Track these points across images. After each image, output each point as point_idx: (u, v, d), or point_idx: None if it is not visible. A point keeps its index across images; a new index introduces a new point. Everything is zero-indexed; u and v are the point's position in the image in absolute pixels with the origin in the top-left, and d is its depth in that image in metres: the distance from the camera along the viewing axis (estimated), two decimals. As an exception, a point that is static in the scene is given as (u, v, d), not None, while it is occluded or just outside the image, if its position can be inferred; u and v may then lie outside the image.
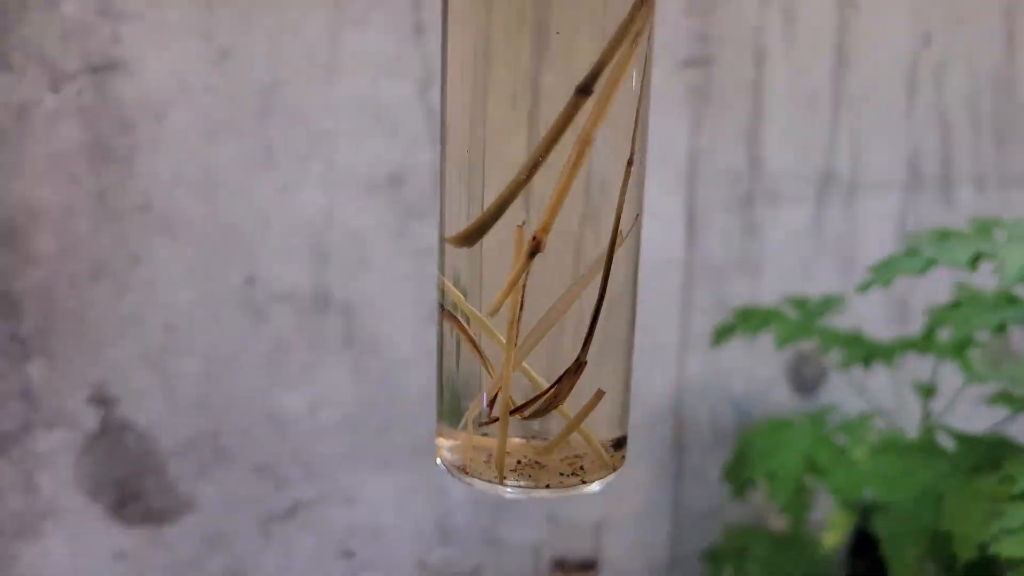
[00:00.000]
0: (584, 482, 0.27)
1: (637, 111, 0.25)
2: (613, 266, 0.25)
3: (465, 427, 0.26)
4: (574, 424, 0.26)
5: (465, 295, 0.26)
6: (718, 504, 1.05)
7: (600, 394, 0.26)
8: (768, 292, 0.98)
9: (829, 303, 0.78)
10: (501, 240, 0.25)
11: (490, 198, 0.24)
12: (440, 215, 0.27)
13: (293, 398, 0.76)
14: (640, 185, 0.27)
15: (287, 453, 0.77)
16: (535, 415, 0.26)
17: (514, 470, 0.26)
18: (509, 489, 0.26)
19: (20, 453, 0.67)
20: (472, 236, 0.25)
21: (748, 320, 0.77)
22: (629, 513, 0.99)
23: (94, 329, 0.67)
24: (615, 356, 0.27)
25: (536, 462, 0.26)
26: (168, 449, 0.72)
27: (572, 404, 0.26)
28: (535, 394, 0.25)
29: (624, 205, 0.26)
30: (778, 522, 1.01)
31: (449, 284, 0.26)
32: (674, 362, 0.98)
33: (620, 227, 0.26)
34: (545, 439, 0.26)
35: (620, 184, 0.25)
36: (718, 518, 1.03)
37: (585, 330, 0.25)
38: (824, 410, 0.71)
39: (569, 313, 0.25)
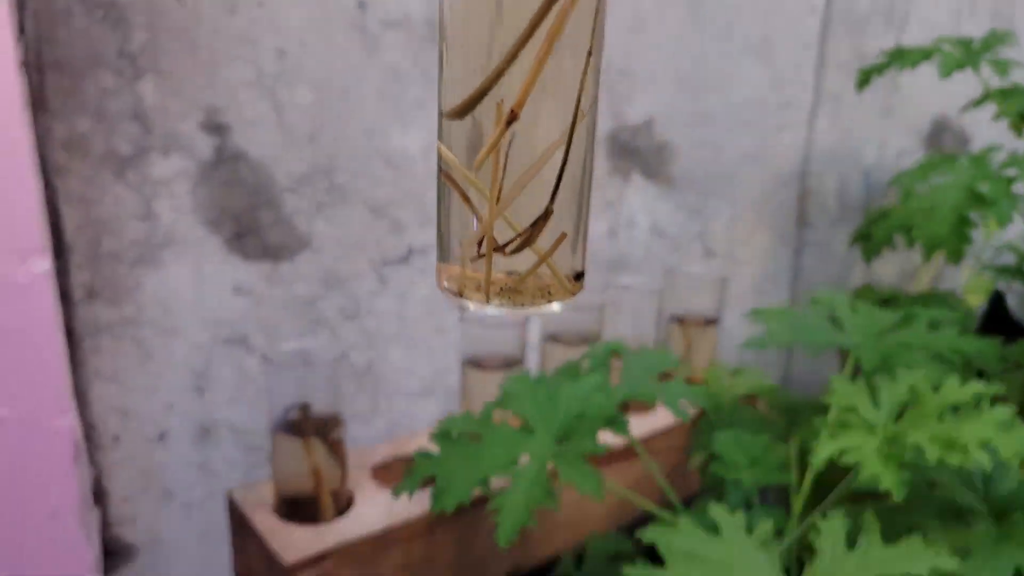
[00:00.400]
0: (551, 303, 0.33)
1: (596, 10, 0.31)
2: (575, 137, 0.32)
3: (460, 263, 0.33)
4: (543, 259, 0.32)
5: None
6: (838, 277, 1.00)
7: (563, 236, 0.33)
8: (913, 48, 0.89)
9: (996, 39, 0.69)
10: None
11: (478, 81, 0.31)
12: (438, 94, 0.33)
13: (407, 137, 0.72)
14: (597, 71, 0.32)
15: (402, 196, 0.74)
16: (514, 252, 0.32)
17: (498, 295, 0.33)
18: (492, 309, 0.33)
19: (137, 178, 0.65)
20: (464, 110, 0.31)
21: (902, 56, 0.69)
22: (749, 280, 0.95)
23: (204, 48, 0.64)
24: (575, 207, 0.33)
25: (515, 289, 0.33)
26: (283, 183, 0.70)
27: (541, 244, 0.32)
28: (513, 236, 0.32)
29: (584, 87, 0.31)
30: (909, 287, 0.96)
31: (445, 149, 0.33)
32: (804, 122, 0.91)
33: (580, 106, 0.31)
34: (521, 273, 0.33)
35: (581, 70, 0.31)
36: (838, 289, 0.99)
37: (552, 187, 0.32)
38: (987, 149, 0.64)
39: (539, 174, 0.32)
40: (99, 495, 0.71)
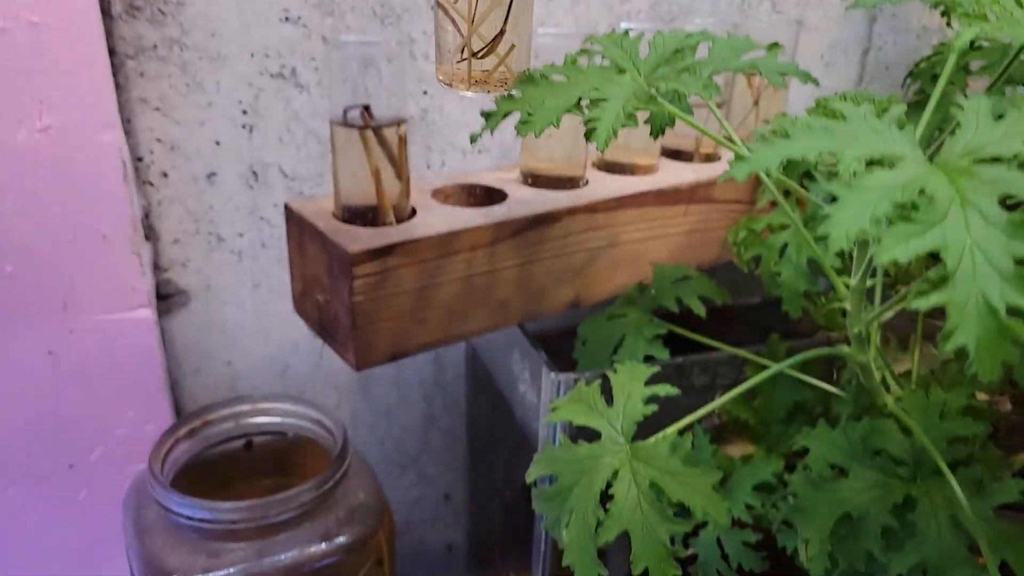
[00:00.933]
0: (507, 89, 0.49)
1: None
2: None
3: (448, 63, 0.49)
4: (501, 61, 0.48)
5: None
6: (914, 51, 0.95)
7: (513, 47, 0.48)
8: None
9: None
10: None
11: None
12: None
13: None
14: None
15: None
16: (483, 56, 0.48)
17: (474, 84, 0.49)
18: (470, 93, 0.50)
19: None
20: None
21: None
22: (816, 50, 0.89)
23: None
24: (523, 29, 0.48)
25: (484, 81, 0.49)
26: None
27: (500, 52, 0.48)
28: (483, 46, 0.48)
29: None
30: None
31: None
32: None
33: None
34: (489, 71, 0.49)
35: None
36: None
37: (505, 14, 0.47)
38: None
39: (498, 6, 0.47)
40: (149, 234, 0.69)
